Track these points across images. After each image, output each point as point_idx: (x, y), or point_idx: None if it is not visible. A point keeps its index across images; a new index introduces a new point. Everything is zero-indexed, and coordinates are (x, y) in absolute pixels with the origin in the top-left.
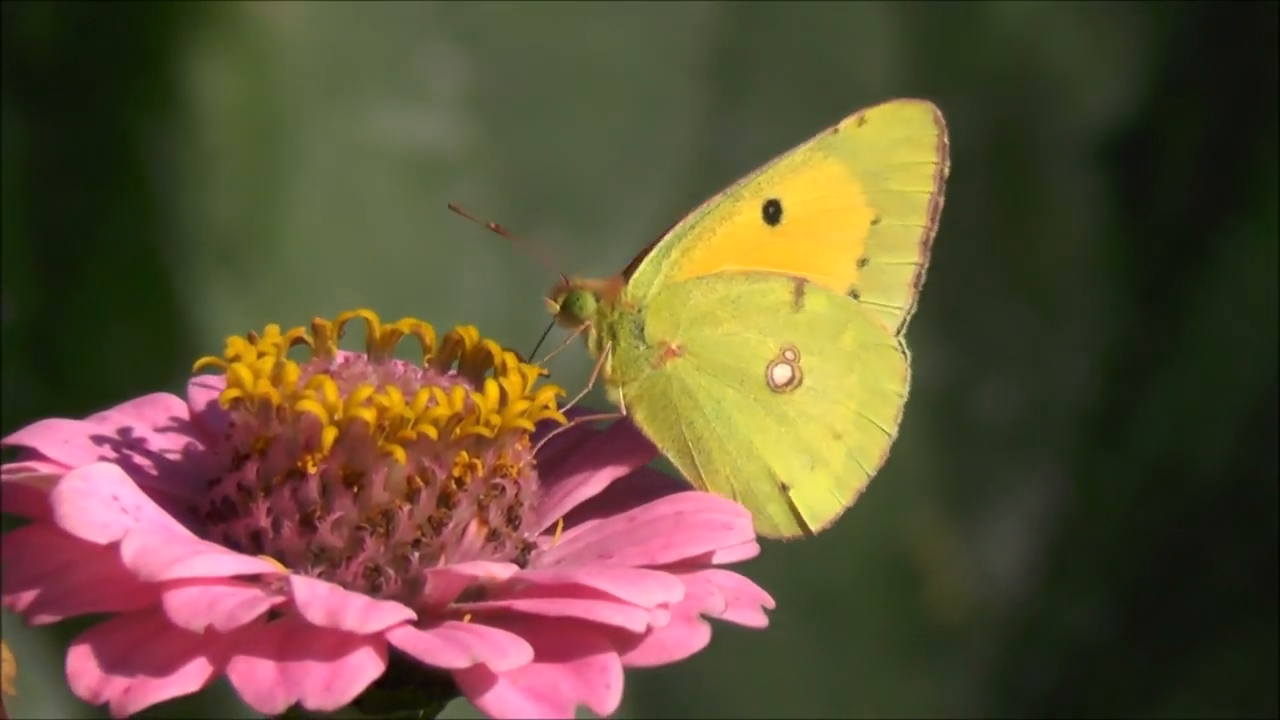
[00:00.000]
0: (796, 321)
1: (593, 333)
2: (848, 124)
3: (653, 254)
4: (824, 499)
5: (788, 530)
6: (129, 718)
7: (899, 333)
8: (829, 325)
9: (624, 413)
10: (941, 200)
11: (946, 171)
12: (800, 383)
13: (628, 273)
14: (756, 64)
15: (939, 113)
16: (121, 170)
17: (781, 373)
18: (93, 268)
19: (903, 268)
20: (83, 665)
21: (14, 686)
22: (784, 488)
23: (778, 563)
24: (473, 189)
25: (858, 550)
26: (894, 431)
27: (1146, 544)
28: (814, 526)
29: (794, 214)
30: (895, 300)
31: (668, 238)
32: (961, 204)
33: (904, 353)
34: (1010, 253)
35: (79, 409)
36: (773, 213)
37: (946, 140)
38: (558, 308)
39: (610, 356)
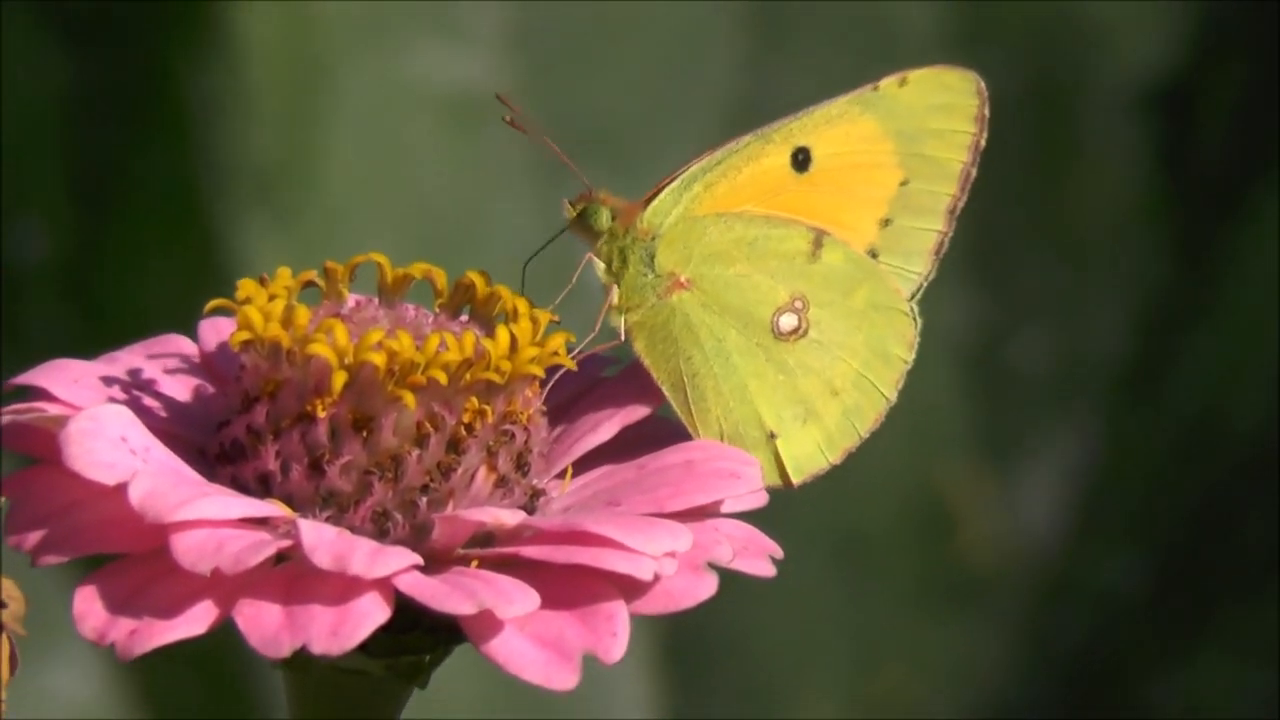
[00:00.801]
0: (811, 272)
1: (602, 253)
2: (888, 83)
3: (674, 184)
4: (811, 453)
5: (768, 479)
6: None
7: (913, 298)
8: (843, 280)
9: (622, 338)
10: (974, 171)
11: (983, 143)
12: (805, 333)
13: (648, 201)
14: (796, 12)
15: (982, 84)
16: (160, 105)
17: (788, 321)
18: (130, 203)
19: (926, 233)
20: (88, 606)
21: (23, 626)
22: (772, 436)
23: (810, 507)
24: (510, 130)
25: (890, 497)
26: (893, 396)
27: (1179, 499)
28: (795, 479)
29: (822, 164)
30: (914, 266)
31: (692, 169)
32: (999, 153)
33: (915, 319)
34: (1047, 203)
35: (114, 344)
36: (801, 160)
37: (986, 112)
38: (574, 214)
39: (619, 282)
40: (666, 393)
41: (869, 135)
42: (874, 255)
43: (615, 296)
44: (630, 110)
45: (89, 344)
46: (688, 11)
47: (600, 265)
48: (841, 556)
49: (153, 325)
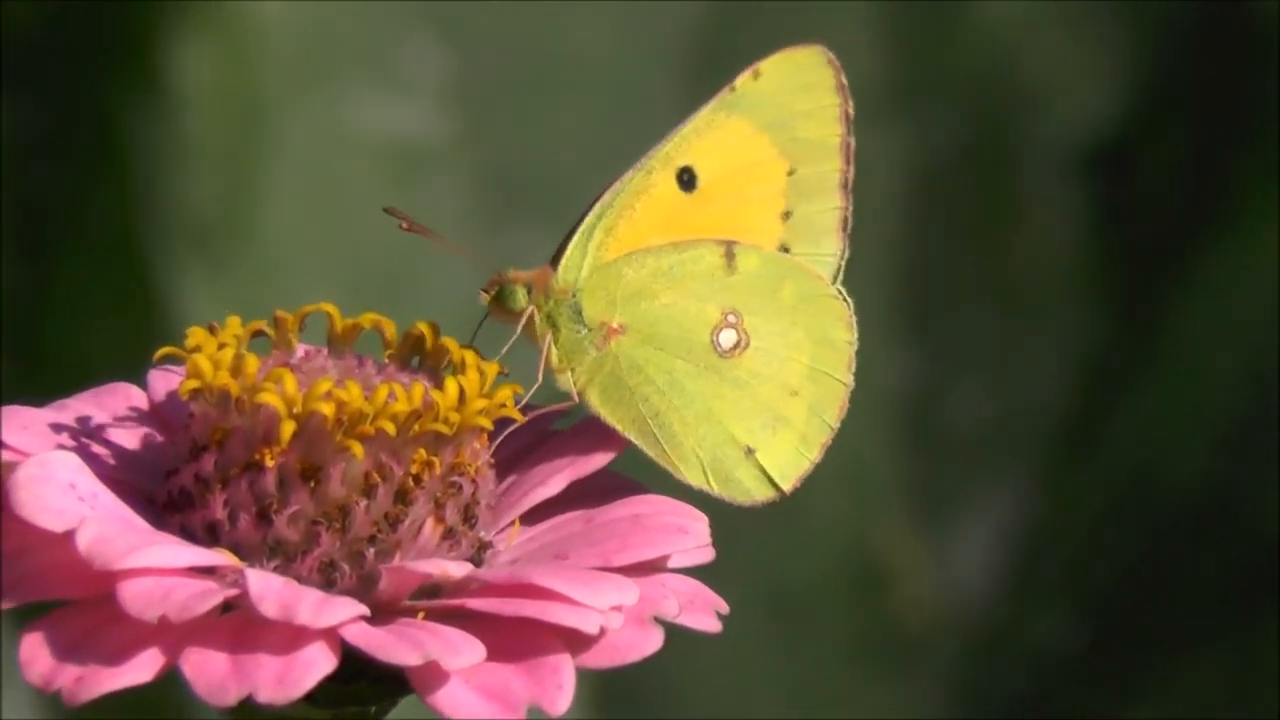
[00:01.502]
0: (732, 284)
1: (535, 323)
2: (743, 79)
3: (576, 237)
4: (791, 457)
5: (760, 494)
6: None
7: (836, 279)
8: (766, 283)
9: (576, 399)
10: (853, 141)
11: (851, 111)
12: (748, 345)
13: (555, 260)
14: (735, 62)
15: (831, 55)
16: (101, 153)
17: (727, 337)
18: (71, 250)
19: (827, 213)
20: (35, 652)
21: None
22: (750, 451)
23: (745, 563)
24: (450, 180)
25: (825, 553)
26: (849, 380)
27: (1114, 556)
28: (785, 485)
29: (708, 178)
30: (825, 248)
31: (588, 219)
32: (938, 209)
33: (845, 300)
34: (986, 259)
35: (53, 390)
36: (687, 180)
37: (844, 80)
38: (491, 299)
39: (553, 345)
40: (636, 440)
41: (742, 135)
42: (785, 250)
43: (553, 354)
44: (569, 160)
45: (28, 388)
46: (627, 63)
47: (535, 333)
48: (777, 611)
49: (92, 371)
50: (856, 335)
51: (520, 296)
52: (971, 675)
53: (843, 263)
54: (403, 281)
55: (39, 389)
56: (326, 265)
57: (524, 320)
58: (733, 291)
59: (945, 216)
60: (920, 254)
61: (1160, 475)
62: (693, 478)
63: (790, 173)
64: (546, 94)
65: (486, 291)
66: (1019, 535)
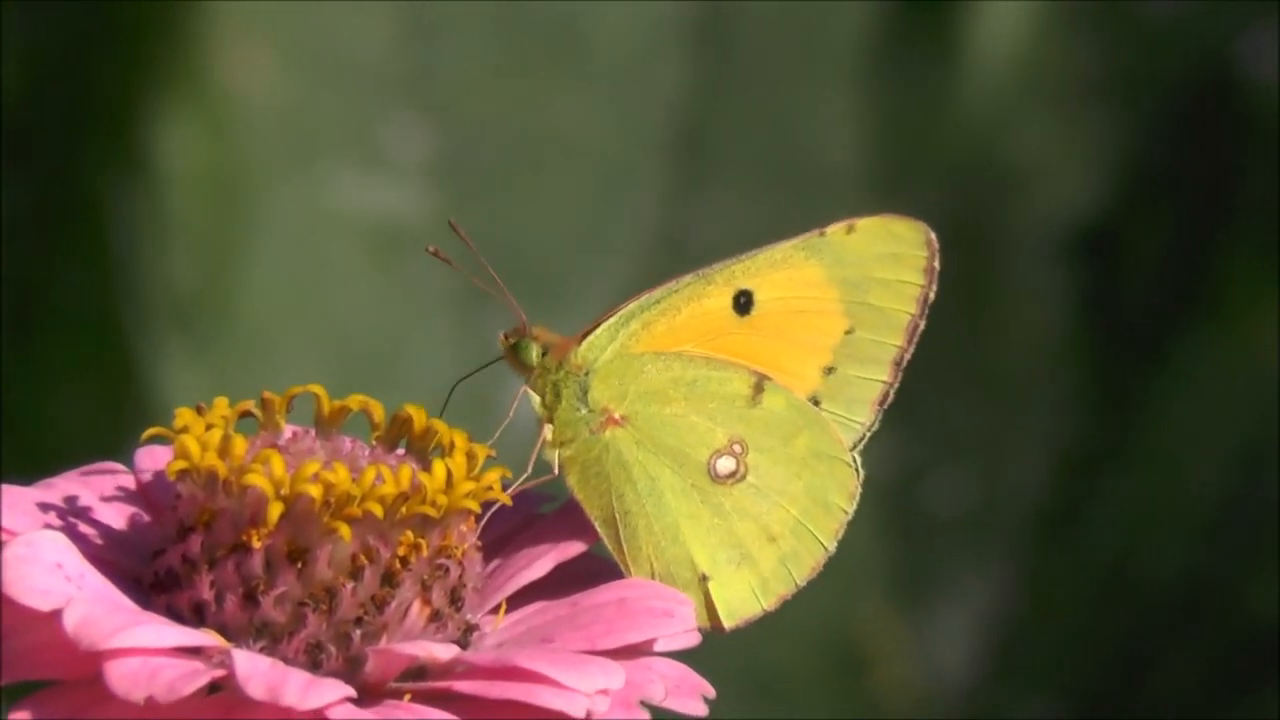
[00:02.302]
0: (751, 416)
1: (536, 386)
2: (836, 229)
3: (611, 321)
4: (744, 598)
5: (699, 621)
6: None
7: (855, 448)
8: (784, 426)
9: (555, 472)
10: (922, 324)
11: (932, 296)
12: (743, 478)
13: (584, 336)
14: (721, 146)
15: (932, 236)
16: (81, 229)
17: (725, 464)
18: (50, 326)
19: (870, 383)
20: None
21: None
22: (704, 578)
23: (725, 647)
24: (432, 260)
25: (805, 637)
26: (832, 547)
27: (1095, 644)
28: (728, 624)
29: (765, 308)
30: (857, 415)
31: (630, 307)
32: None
33: (857, 470)
34: (969, 345)
35: (32, 466)
36: (744, 303)
37: (937, 265)
38: (506, 346)
39: (552, 417)
40: (598, 528)
41: (814, 281)
42: (816, 402)
43: (549, 433)
44: (553, 241)
45: (6, 464)
46: (611, 144)
47: (535, 399)
48: (757, 696)
49: (71, 447)
50: (855, 508)
51: (534, 353)
52: None
53: (867, 436)
54: (385, 361)
55: (17, 465)
56: (308, 344)
57: (530, 380)
58: (748, 424)
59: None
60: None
61: (1142, 562)
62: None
63: (849, 332)
64: (530, 174)
65: (507, 337)
66: (1000, 620)
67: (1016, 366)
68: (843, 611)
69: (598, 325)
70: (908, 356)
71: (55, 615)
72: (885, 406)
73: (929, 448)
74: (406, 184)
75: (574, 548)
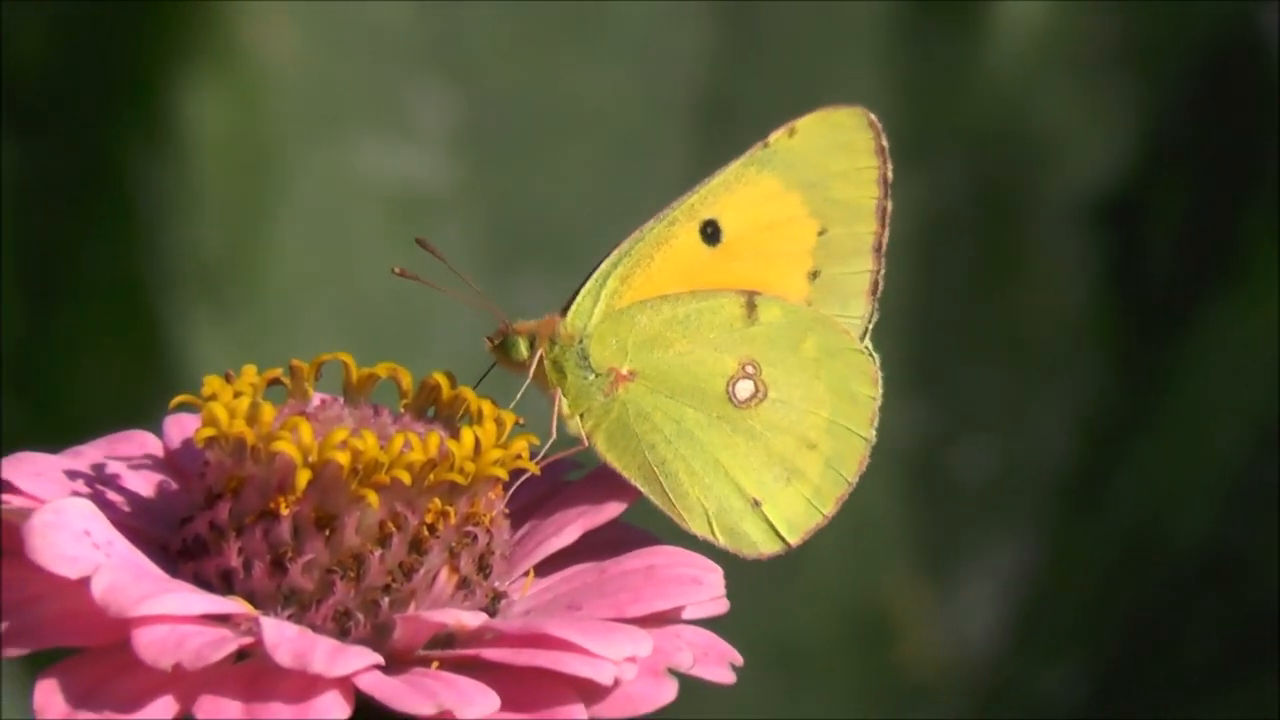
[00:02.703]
0: (753, 335)
1: (545, 372)
2: (778, 136)
3: (589, 284)
4: (802, 510)
5: (766, 546)
6: None
7: (862, 340)
8: (788, 334)
9: (585, 444)
10: (889, 205)
11: (890, 175)
12: (765, 396)
13: (566, 307)
14: (744, 114)
15: (873, 116)
16: (108, 197)
17: (744, 388)
18: (76, 294)
19: (857, 276)
20: (50, 699)
21: None
22: (756, 503)
23: (750, 616)
24: (457, 227)
25: (830, 606)
26: (871, 435)
27: (1119, 610)
28: (792, 539)
29: (734, 232)
30: (853, 310)
31: (603, 266)
32: (946, 262)
33: (872, 356)
34: (993, 313)
35: (58, 435)
36: (711, 233)
37: (885, 143)
38: (494, 348)
39: (562, 393)
40: (641, 487)
41: (772, 192)
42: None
43: (564, 406)
44: (578, 209)
45: (33, 434)
46: (636, 112)
47: (544, 381)
48: (781, 665)
49: (97, 416)
50: (881, 391)
51: (522, 347)
52: None
53: (869, 325)
54: (410, 328)
55: (44, 434)
56: (333, 311)
57: (533, 368)
58: (752, 342)
59: (952, 270)
60: (927, 307)
61: (1165, 529)
62: (697, 527)
63: (821, 233)
64: (555, 142)
65: (491, 340)
66: (1024, 588)
67: (1040, 335)
68: (867, 580)
69: (576, 294)
70: (885, 239)
71: (83, 582)
72: (878, 294)
73: (953, 417)
74: (431, 151)
75: (602, 514)
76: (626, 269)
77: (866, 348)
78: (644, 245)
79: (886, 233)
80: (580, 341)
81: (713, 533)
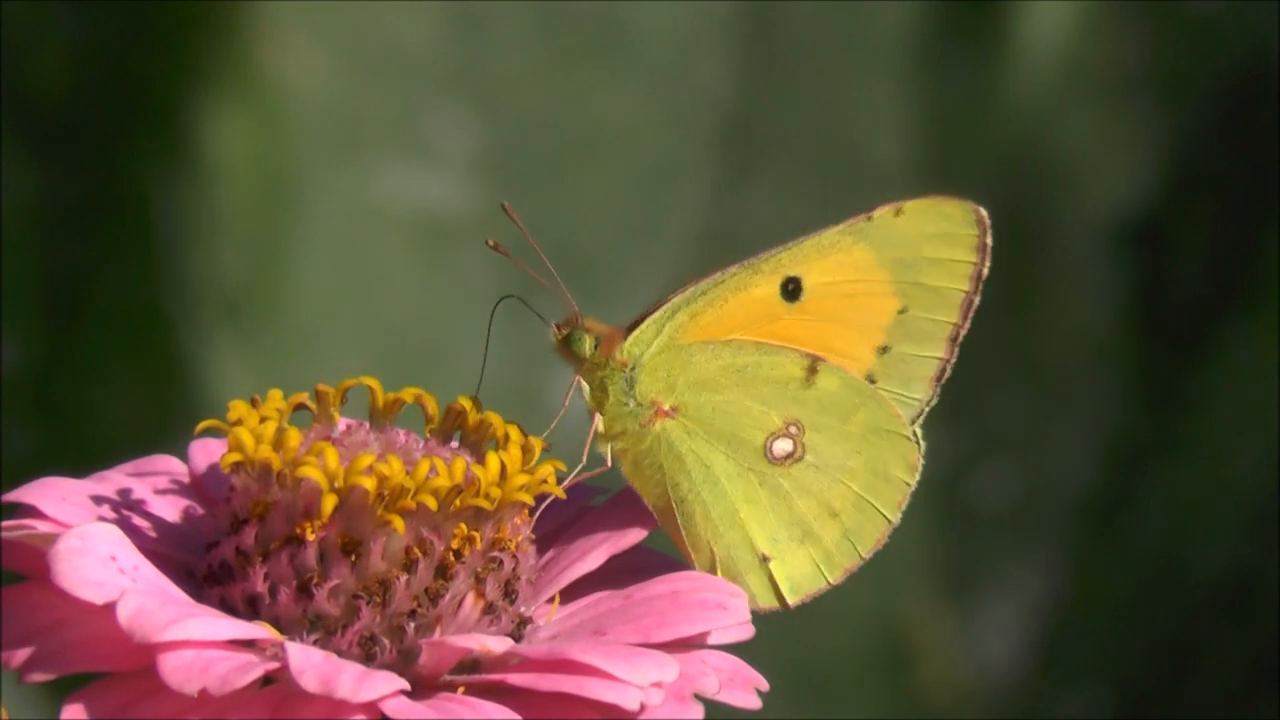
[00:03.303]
0: (805, 398)
1: (585, 379)
2: (883, 212)
3: (657, 315)
4: (808, 573)
5: (764, 601)
6: None
7: (914, 423)
8: (840, 405)
9: (608, 465)
10: (977, 299)
11: (985, 272)
12: (802, 458)
13: (630, 329)
14: (767, 139)
15: (983, 213)
16: (129, 221)
17: (782, 446)
18: (97, 318)
19: (927, 361)
20: None
21: None
22: (765, 559)
23: (770, 641)
24: (479, 252)
25: (851, 630)
26: (896, 518)
27: (1142, 636)
28: (792, 600)
29: (814, 293)
30: (914, 392)
31: (675, 300)
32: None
33: (918, 443)
34: (1015, 337)
35: (78, 458)
36: (792, 289)
37: (989, 241)
38: (559, 338)
39: (601, 410)
40: (656, 515)
41: (863, 264)
42: (871, 381)
43: (600, 424)
44: (599, 235)
45: (55, 457)
46: (657, 137)
47: (586, 389)
48: (802, 690)
49: (118, 440)
50: (917, 479)
51: (587, 345)
52: None
53: (926, 409)
54: (430, 353)
55: (65, 459)
56: (354, 336)
57: (578, 378)
58: (803, 405)
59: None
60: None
61: (1188, 553)
62: (700, 567)
63: (901, 311)
64: (576, 167)
65: (559, 328)
66: (1047, 613)
67: (1062, 359)
68: (889, 605)
69: (644, 318)
70: (964, 332)
71: (109, 608)
72: (943, 381)
73: (975, 441)
74: (453, 177)
75: (627, 540)
76: (700, 306)
77: (915, 434)
78: (722, 288)
79: (967, 327)
80: (631, 369)
81: (715, 573)
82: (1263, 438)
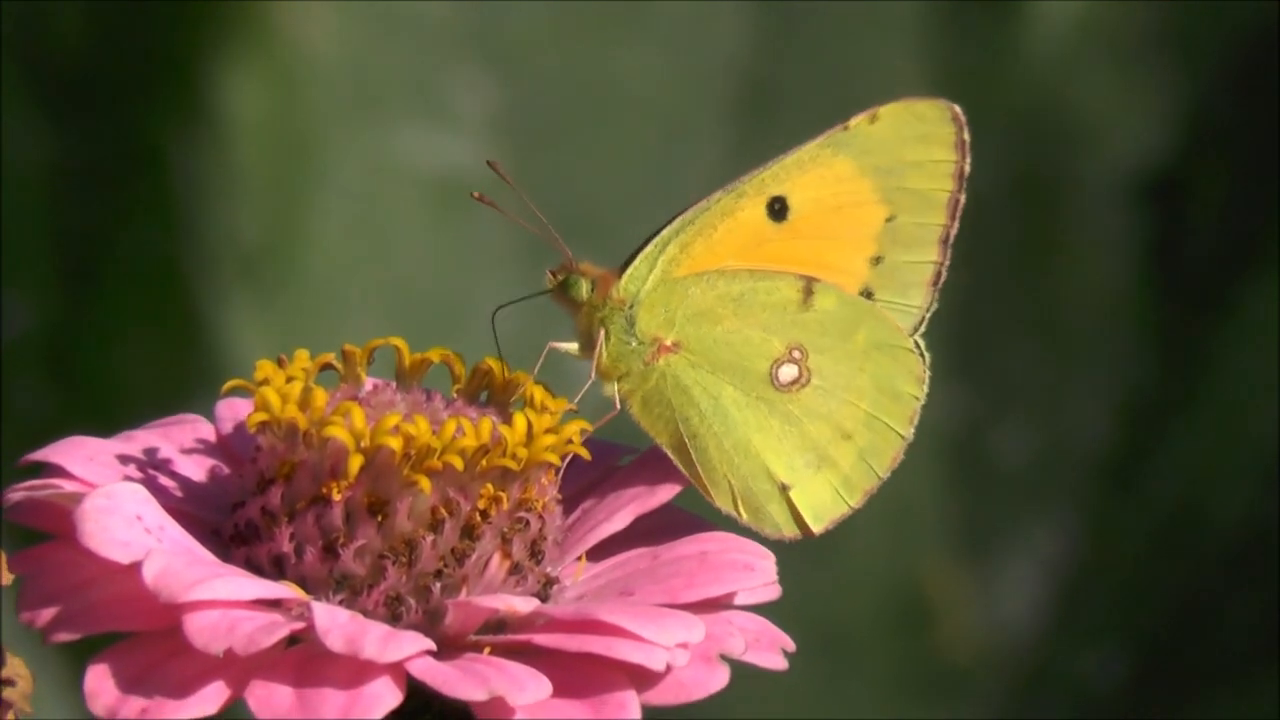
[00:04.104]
0: (805, 320)
1: (582, 324)
2: (858, 121)
3: (648, 250)
4: (828, 499)
5: (789, 530)
6: None
7: (916, 331)
8: (840, 324)
9: (618, 407)
10: (963, 198)
11: (967, 169)
12: (808, 382)
13: (623, 268)
14: (784, 99)
15: (957, 110)
16: (145, 181)
17: (788, 371)
18: (113, 278)
19: (921, 266)
20: (100, 684)
21: (30, 704)
22: (784, 488)
23: (789, 599)
24: (495, 213)
25: (869, 589)
26: (908, 434)
27: (1159, 592)
28: (816, 527)
29: (801, 211)
30: (912, 299)
31: (664, 233)
32: (984, 243)
33: (921, 354)
34: (1031, 295)
35: (96, 419)
36: (778, 209)
37: (966, 137)
38: (555, 284)
39: (604, 351)
40: (670, 455)
41: (845, 175)
42: (869, 294)
43: (594, 369)
44: (616, 194)
45: (72, 418)
46: (674, 97)
47: (568, 346)
48: (820, 648)
49: (136, 401)
50: (925, 391)
51: (584, 288)
52: (1016, 710)
53: (926, 316)
54: (448, 314)
55: (84, 418)
56: (371, 297)
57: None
58: (803, 328)
59: (991, 251)
60: (966, 289)
61: (1205, 510)
62: (721, 502)
63: (889, 219)
64: (594, 127)
65: (554, 274)
66: (1064, 570)
67: (1079, 316)
68: (906, 564)
69: (635, 255)
70: (953, 233)
71: (135, 567)
72: (939, 285)
73: (992, 399)
74: (470, 138)
75: (654, 500)
76: (688, 237)
77: (918, 344)
78: (709, 215)
79: (956, 226)
80: (630, 307)
81: (736, 509)
82: (1278, 393)
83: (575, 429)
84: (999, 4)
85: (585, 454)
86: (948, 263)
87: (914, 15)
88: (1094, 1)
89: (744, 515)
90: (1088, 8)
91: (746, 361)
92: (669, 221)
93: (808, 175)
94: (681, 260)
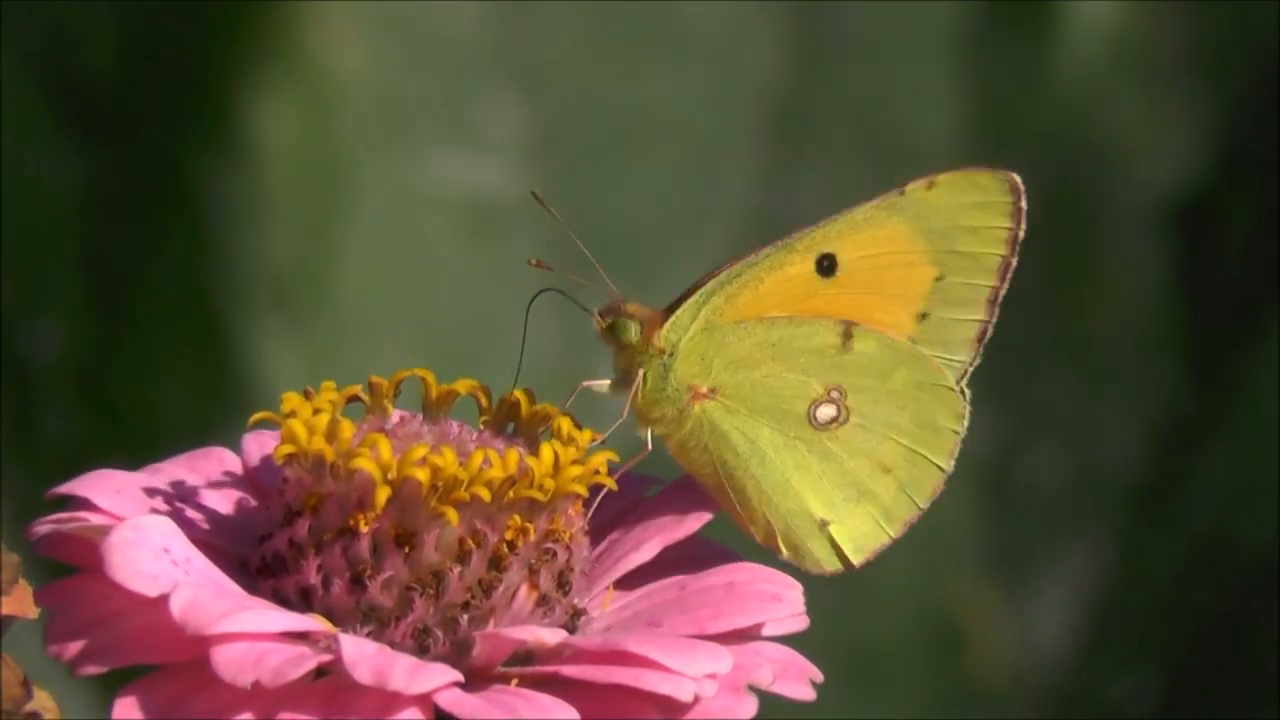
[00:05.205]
0: (844, 363)
1: (620, 363)
2: (915, 186)
3: (693, 299)
4: (869, 530)
5: (829, 565)
6: None
7: (959, 382)
8: (879, 366)
9: (649, 448)
10: (1014, 261)
11: (1021, 234)
12: (847, 419)
13: (668, 311)
14: (816, 123)
15: (1016, 179)
16: (177, 207)
17: (826, 411)
18: (145, 304)
19: (966, 324)
20: (129, 716)
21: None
22: (824, 524)
23: (820, 623)
24: (527, 237)
25: (900, 613)
26: (949, 467)
27: (1190, 617)
28: (856, 559)
29: (850, 267)
30: (956, 354)
31: (710, 284)
32: (1017, 267)
33: (963, 394)
34: (1063, 319)
35: (127, 445)
36: (827, 266)
37: (1024, 205)
38: (604, 326)
39: (639, 394)
40: (711, 493)
41: (898, 237)
42: None
43: (626, 408)
44: (647, 219)
45: (101, 445)
46: (706, 121)
47: (599, 384)
48: (852, 672)
49: (165, 427)
50: (965, 427)
51: (633, 331)
52: None
53: (969, 370)
54: (479, 338)
55: (114, 446)
56: (403, 321)
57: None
58: (842, 370)
59: (1022, 275)
60: (998, 313)
61: (1237, 534)
62: (760, 538)
63: (938, 279)
64: (625, 152)
65: (602, 315)
66: (1096, 595)
67: (1111, 340)
68: (938, 587)
69: (681, 302)
70: (1003, 293)
71: (162, 600)
72: (985, 342)
73: (1024, 423)
74: (501, 161)
75: (681, 530)
76: (735, 289)
77: (960, 387)
78: (757, 269)
79: (1005, 288)
80: (668, 356)
81: (777, 545)
82: None
83: (602, 460)
84: (1031, 28)
85: (612, 485)
86: (994, 321)
87: (946, 39)
88: (1126, 25)
89: (784, 550)
90: (1120, 31)
91: (784, 404)
92: (715, 271)
93: (860, 235)
94: (726, 310)
